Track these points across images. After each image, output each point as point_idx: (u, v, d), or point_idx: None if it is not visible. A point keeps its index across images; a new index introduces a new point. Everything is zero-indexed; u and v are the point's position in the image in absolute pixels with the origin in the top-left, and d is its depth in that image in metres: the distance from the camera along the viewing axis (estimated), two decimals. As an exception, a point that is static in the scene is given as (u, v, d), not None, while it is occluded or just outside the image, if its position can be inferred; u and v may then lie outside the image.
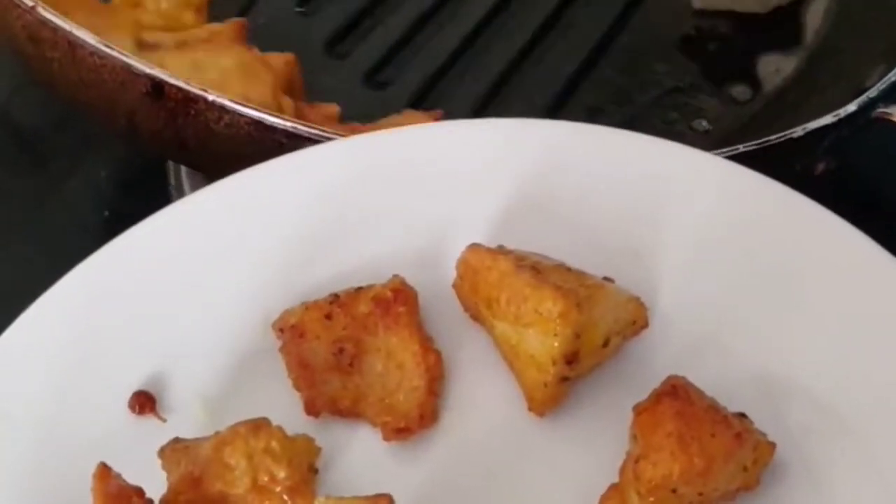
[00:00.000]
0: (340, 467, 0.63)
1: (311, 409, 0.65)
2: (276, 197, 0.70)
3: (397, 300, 0.65)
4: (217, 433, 0.61)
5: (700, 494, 0.59)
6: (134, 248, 0.68)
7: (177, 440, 0.62)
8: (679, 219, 0.68)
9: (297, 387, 0.66)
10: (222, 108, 0.76)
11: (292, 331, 0.66)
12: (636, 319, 0.65)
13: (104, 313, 0.66)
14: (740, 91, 0.97)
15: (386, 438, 0.64)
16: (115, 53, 0.77)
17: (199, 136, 0.79)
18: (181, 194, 0.94)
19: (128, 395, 0.65)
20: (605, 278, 0.66)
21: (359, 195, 0.70)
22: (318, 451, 0.61)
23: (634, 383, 0.62)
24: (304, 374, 0.65)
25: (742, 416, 0.61)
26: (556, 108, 0.93)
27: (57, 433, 0.64)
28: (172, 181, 0.99)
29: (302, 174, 0.71)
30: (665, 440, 0.58)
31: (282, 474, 0.58)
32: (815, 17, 1.02)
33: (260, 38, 0.88)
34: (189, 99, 0.77)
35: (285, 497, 0.59)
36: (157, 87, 0.77)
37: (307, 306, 0.67)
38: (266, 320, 0.67)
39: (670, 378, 0.61)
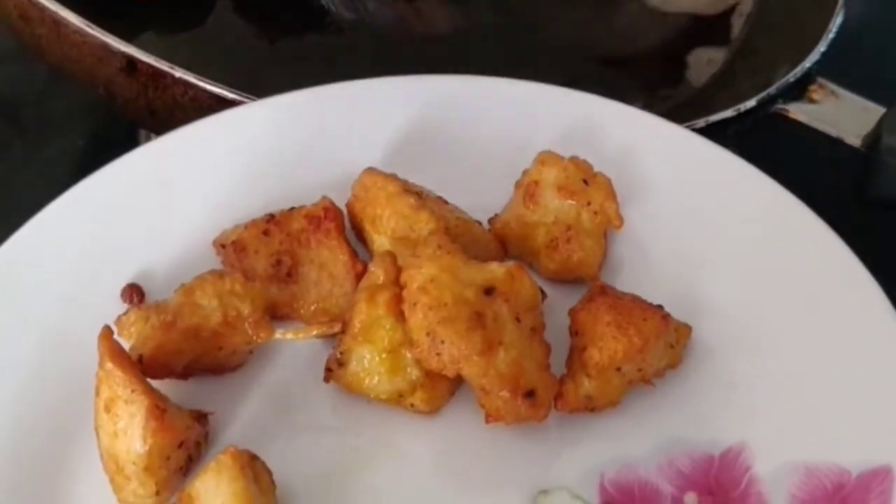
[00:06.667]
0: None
1: (253, 315, 0.75)
2: (220, 144, 0.85)
3: (327, 217, 0.78)
4: (182, 285, 0.73)
5: (639, 370, 0.73)
6: (117, 175, 0.83)
7: (134, 305, 0.75)
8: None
9: (240, 296, 0.75)
10: (187, 84, 0.91)
11: (233, 246, 0.78)
12: (496, 256, 0.79)
13: (96, 226, 0.81)
14: (674, 79, 1.15)
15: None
16: (94, 32, 0.92)
17: (167, 107, 0.94)
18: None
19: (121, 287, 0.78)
20: (477, 221, 0.79)
21: (285, 141, 0.85)
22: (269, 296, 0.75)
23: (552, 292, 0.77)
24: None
25: (660, 307, 0.74)
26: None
27: (62, 322, 0.77)
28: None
29: (242, 125, 0.86)
30: (605, 328, 0.72)
31: (247, 311, 0.72)
32: (739, 21, 1.20)
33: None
34: (158, 74, 0.91)
35: (250, 331, 0.73)
36: (131, 63, 0.92)
37: (246, 225, 0.79)
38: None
39: (594, 283, 0.75)
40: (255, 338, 0.74)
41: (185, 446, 0.71)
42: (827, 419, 0.73)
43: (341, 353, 0.73)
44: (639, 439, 0.74)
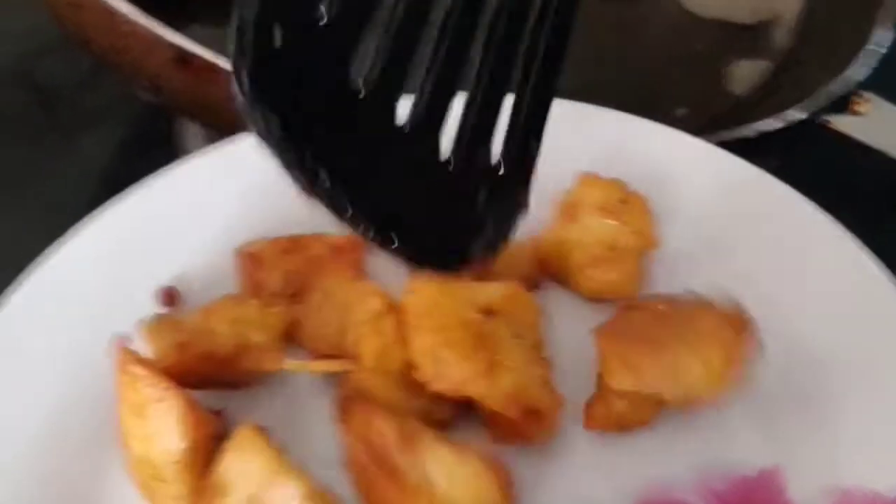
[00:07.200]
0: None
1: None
2: (257, 161, 0.87)
3: (348, 248, 0.79)
4: (201, 308, 0.74)
5: None
6: (159, 188, 0.84)
7: (159, 315, 0.75)
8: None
9: (249, 305, 0.75)
10: None
11: (251, 257, 0.79)
12: (535, 275, 0.81)
13: (139, 232, 0.82)
14: (717, 89, 1.16)
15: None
16: (145, 23, 0.91)
17: (218, 100, 0.92)
18: (188, 158, 1.06)
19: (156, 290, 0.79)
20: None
21: None
22: (286, 322, 0.75)
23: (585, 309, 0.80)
24: (255, 294, 0.78)
25: None
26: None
27: (100, 322, 0.77)
28: (180, 146, 1.13)
29: None
30: None
31: (259, 339, 0.73)
32: (782, 32, 1.21)
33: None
34: (210, 67, 0.91)
35: (262, 358, 0.73)
36: (182, 55, 0.92)
37: (270, 240, 0.80)
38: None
39: (624, 300, 0.76)
40: (264, 367, 0.74)
41: (215, 441, 0.71)
42: (862, 443, 0.74)
43: (357, 390, 0.73)
44: (672, 460, 0.75)
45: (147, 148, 0.90)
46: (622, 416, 0.73)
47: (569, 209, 0.80)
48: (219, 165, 0.85)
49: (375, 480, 0.67)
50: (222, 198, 0.84)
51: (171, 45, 0.92)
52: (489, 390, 0.70)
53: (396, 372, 0.72)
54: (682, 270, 0.82)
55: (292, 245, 0.80)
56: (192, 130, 1.11)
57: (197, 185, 0.84)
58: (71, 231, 0.80)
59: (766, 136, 0.96)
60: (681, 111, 1.11)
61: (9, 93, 1.19)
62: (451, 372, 0.70)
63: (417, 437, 0.68)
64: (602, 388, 0.74)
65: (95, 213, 0.81)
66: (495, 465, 0.67)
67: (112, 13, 0.93)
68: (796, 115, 0.98)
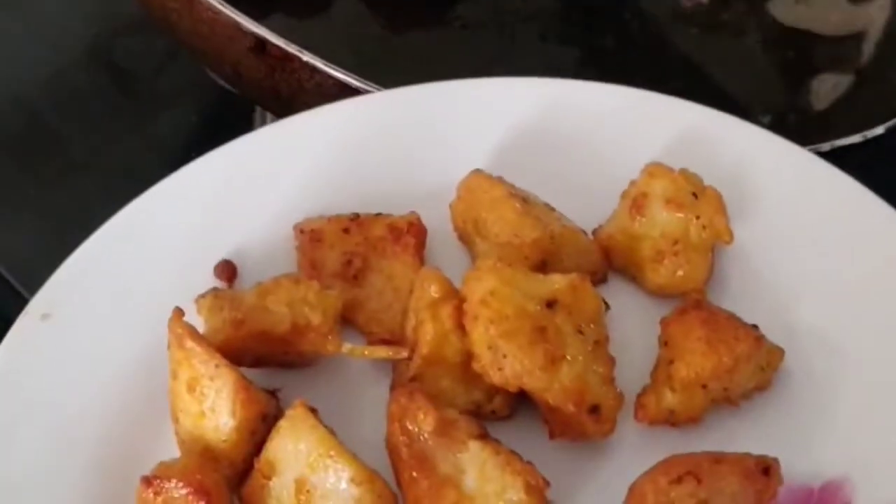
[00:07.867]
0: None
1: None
2: (320, 138, 0.85)
3: (409, 231, 0.78)
4: (259, 283, 0.72)
5: (725, 389, 0.71)
6: (223, 161, 0.84)
7: (215, 289, 0.74)
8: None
9: (305, 283, 0.74)
10: (314, 69, 0.90)
11: (311, 234, 0.78)
12: (600, 267, 0.80)
13: (201, 205, 0.82)
14: (800, 100, 1.12)
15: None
16: (227, 11, 0.91)
17: (292, 90, 0.93)
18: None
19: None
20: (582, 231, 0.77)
21: (395, 136, 0.84)
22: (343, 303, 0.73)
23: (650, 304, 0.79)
24: (312, 273, 0.77)
25: (755, 326, 0.72)
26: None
27: (157, 293, 0.77)
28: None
29: (355, 117, 0.86)
30: (696, 343, 0.71)
31: (316, 320, 0.71)
32: (868, 47, 1.18)
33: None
34: (287, 57, 0.91)
35: (317, 341, 0.72)
36: (261, 44, 0.92)
37: (329, 218, 0.78)
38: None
39: (691, 294, 0.74)
40: (320, 349, 0.73)
41: (266, 421, 0.70)
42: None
43: (413, 378, 0.71)
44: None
45: (219, 133, 0.87)
46: (673, 410, 0.72)
47: (636, 200, 0.78)
48: (280, 142, 0.85)
49: (407, 465, 0.67)
50: (283, 174, 0.83)
51: (250, 34, 0.92)
52: (548, 384, 0.69)
53: (453, 361, 0.71)
54: (752, 267, 0.80)
55: (352, 224, 0.79)
56: (269, 119, 1.11)
57: (258, 160, 0.83)
58: (129, 203, 0.81)
59: (846, 152, 0.95)
60: (765, 118, 1.08)
61: (85, 72, 1.20)
62: (509, 364, 0.69)
63: (456, 430, 0.67)
64: (656, 381, 0.73)
65: (155, 185, 0.81)
66: (530, 471, 0.66)
67: (194, 1, 0.94)
68: (875, 130, 0.97)
